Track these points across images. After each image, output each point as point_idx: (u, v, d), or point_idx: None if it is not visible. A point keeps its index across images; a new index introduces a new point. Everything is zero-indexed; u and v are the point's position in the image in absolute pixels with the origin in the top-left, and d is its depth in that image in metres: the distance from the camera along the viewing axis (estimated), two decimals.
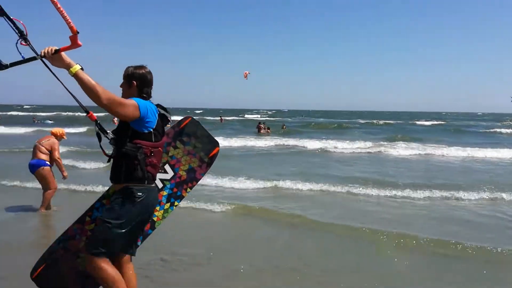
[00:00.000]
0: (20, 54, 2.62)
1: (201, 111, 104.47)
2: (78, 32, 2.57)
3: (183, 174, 3.50)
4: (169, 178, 3.46)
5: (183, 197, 3.49)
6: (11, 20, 2.57)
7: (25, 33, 2.61)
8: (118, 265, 2.93)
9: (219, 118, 45.31)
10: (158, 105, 3.05)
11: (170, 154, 3.49)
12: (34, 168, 6.55)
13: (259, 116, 70.65)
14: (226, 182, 9.29)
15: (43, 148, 6.61)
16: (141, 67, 3.01)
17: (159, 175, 3.31)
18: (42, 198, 6.66)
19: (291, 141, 20.80)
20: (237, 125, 40.38)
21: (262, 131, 28.89)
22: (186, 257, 4.79)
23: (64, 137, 6.97)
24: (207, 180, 9.08)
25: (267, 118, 58.44)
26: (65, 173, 6.77)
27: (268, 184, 9.17)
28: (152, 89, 3.06)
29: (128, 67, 3.01)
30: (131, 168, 2.82)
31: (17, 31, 2.60)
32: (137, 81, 2.96)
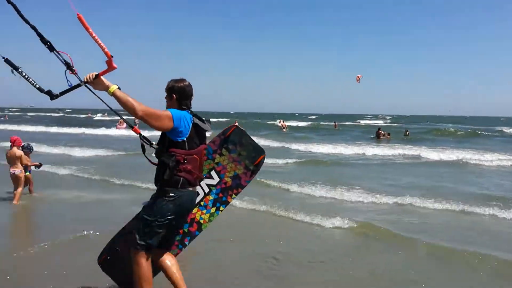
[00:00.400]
0: (68, 82, 2.96)
1: (316, 116, 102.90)
2: (112, 56, 2.85)
3: (229, 181, 3.67)
4: (215, 183, 3.66)
5: (228, 202, 3.68)
6: (59, 53, 2.96)
7: (71, 64, 2.97)
8: (160, 258, 3.28)
9: (334, 123, 43.94)
10: (194, 115, 3.23)
11: (216, 161, 3.68)
12: None
13: (377, 121, 66.74)
14: (339, 194, 8.43)
15: None
16: (181, 80, 3.26)
17: (206, 181, 3.61)
18: None
19: (416, 149, 18.69)
20: (354, 131, 38.43)
21: (381, 137, 27.09)
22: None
23: None
24: (319, 192, 8.35)
25: (387, 124, 55.01)
26: None
27: (390, 199, 8.00)
28: (193, 99, 3.30)
29: (169, 81, 3.26)
30: (165, 173, 3.09)
31: (64, 63, 2.96)
32: (176, 94, 3.21)
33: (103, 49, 2.84)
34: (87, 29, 2.79)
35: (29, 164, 7.48)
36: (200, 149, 3.28)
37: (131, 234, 3.24)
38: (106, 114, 61.84)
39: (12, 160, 7.16)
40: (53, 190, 8.39)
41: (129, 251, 3.16)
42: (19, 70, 3.00)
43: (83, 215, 6.62)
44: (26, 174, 7.38)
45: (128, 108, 2.90)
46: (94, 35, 2.81)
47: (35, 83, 3.03)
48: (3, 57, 3.01)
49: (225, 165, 3.69)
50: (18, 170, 7.09)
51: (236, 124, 4.21)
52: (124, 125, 28.68)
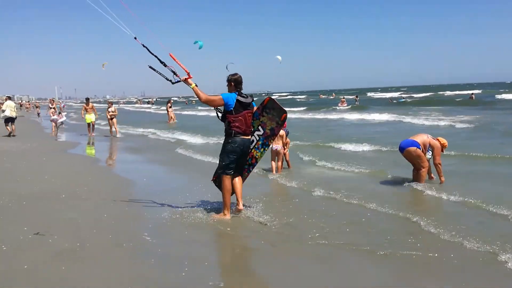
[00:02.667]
0: (174, 79, 5.55)
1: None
2: (189, 74, 5.48)
3: (268, 131, 5.85)
4: (261, 134, 5.88)
5: (269, 145, 5.98)
6: (169, 67, 5.54)
7: (176, 72, 5.51)
8: (233, 178, 5.64)
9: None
10: (239, 94, 5.49)
11: (261, 120, 5.85)
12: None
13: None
14: None
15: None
16: (235, 74, 5.62)
17: (256, 132, 5.85)
18: None
19: None
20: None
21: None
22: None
23: None
24: None
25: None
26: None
27: None
28: (241, 83, 5.59)
29: (228, 75, 5.64)
30: (225, 129, 5.56)
31: (172, 72, 5.53)
32: (233, 82, 5.58)
33: (186, 71, 5.46)
34: (176, 61, 5.45)
35: (287, 145, 9.13)
36: (244, 114, 5.48)
37: (218, 167, 5.73)
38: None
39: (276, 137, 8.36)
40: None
41: (220, 175, 5.63)
42: (151, 66, 5.61)
43: None
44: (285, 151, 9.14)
45: (199, 97, 5.48)
46: (180, 63, 5.45)
47: (165, 76, 5.59)
48: (149, 66, 5.60)
49: (266, 122, 5.83)
50: (279, 146, 8.67)
51: (269, 97, 5.98)
52: (345, 104, 38.07)
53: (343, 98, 43.54)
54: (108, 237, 4.84)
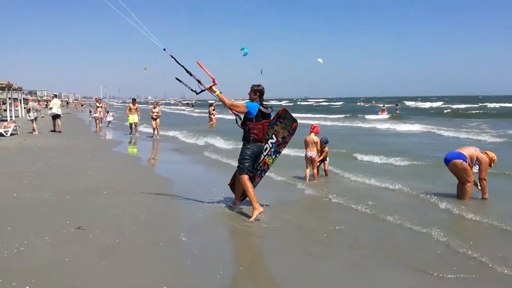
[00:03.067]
0: (199, 88, 5.97)
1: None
2: (214, 81, 5.79)
3: (280, 139, 6.34)
4: (274, 141, 6.35)
5: (280, 152, 6.41)
6: (194, 76, 5.93)
7: (200, 81, 5.92)
8: (250, 179, 5.97)
9: None
10: (261, 104, 5.84)
11: (275, 128, 6.33)
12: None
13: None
14: None
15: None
16: (258, 85, 5.94)
17: (270, 140, 6.31)
18: None
19: None
20: None
21: None
22: None
23: None
24: None
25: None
26: None
27: None
28: (264, 94, 5.94)
29: (252, 85, 5.94)
30: (244, 135, 5.91)
31: (197, 81, 5.92)
32: (258, 93, 5.88)
33: (211, 77, 5.78)
34: (203, 69, 5.79)
35: (323, 155, 8.94)
36: (263, 123, 5.84)
37: (238, 168, 6.05)
38: None
39: (309, 144, 8.62)
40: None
41: (238, 175, 6.00)
42: (179, 79, 6.07)
43: None
44: (324, 161, 9.05)
45: (224, 103, 5.85)
46: (207, 71, 5.80)
47: (190, 87, 6.04)
48: (176, 78, 6.08)
49: (279, 130, 6.34)
50: (313, 153, 8.57)
51: (283, 107, 6.59)
52: (386, 112, 38.24)
53: (384, 106, 42.76)
54: (147, 235, 4.92)
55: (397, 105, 44.27)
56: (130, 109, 19.14)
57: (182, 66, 5.96)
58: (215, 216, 5.92)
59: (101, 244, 4.50)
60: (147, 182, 8.24)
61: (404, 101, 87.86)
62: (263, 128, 5.86)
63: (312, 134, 8.67)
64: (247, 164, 5.88)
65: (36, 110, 19.28)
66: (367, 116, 36.76)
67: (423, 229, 5.28)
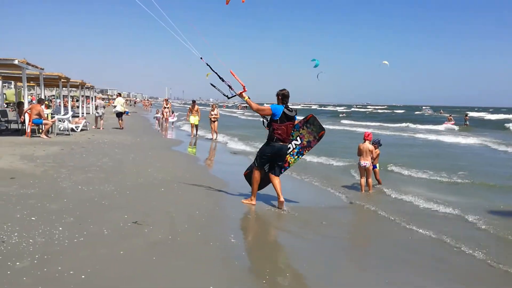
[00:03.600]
0: (231, 93, 6.61)
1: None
2: (244, 87, 6.43)
3: (305, 143, 6.92)
4: (298, 144, 6.95)
5: (303, 154, 7.04)
6: (225, 82, 6.58)
7: (232, 86, 6.53)
8: (269, 177, 6.71)
9: None
10: (286, 107, 6.42)
11: (300, 131, 6.92)
12: None
13: None
14: None
15: None
16: (283, 90, 6.56)
17: (294, 142, 6.92)
18: None
19: None
20: None
21: None
22: None
23: None
24: None
25: None
26: None
27: None
28: (288, 98, 6.55)
29: (278, 90, 6.57)
30: (269, 134, 6.50)
31: (228, 86, 6.55)
32: (281, 96, 6.53)
33: (242, 85, 6.49)
34: (235, 77, 6.44)
35: (375, 158, 8.72)
36: (287, 124, 6.43)
37: (254, 161, 6.83)
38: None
39: (363, 152, 8.42)
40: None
41: (253, 168, 6.84)
42: (215, 85, 6.72)
43: None
44: (374, 169, 8.78)
45: (251, 107, 6.59)
46: (238, 79, 6.46)
47: (222, 92, 6.70)
48: (211, 83, 6.66)
49: (304, 134, 6.94)
50: (368, 162, 8.33)
51: (312, 114, 7.16)
52: (453, 122, 37.18)
53: (450, 116, 40.49)
54: (198, 233, 5.01)
55: (466, 115, 41.20)
56: (190, 110, 19.62)
57: (216, 73, 6.63)
58: (265, 219, 5.93)
59: (154, 240, 4.65)
60: (202, 182, 8.41)
61: (473, 112, 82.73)
62: (287, 129, 6.47)
63: (367, 142, 8.43)
64: (263, 161, 6.61)
65: (103, 107, 20.75)
66: (431, 127, 35.16)
67: None
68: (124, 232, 4.86)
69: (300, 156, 6.97)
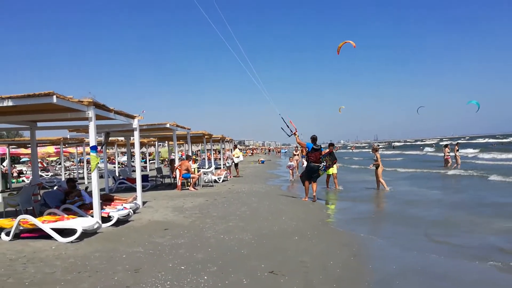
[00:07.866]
0: (289, 134, 13.39)
1: None
2: (296, 130, 13.13)
3: (327, 165, 13.10)
4: (324, 164, 12.89)
5: (327, 170, 13.46)
6: (287, 123, 13.38)
7: (290, 128, 13.22)
8: (311, 183, 13.05)
9: None
10: (314, 144, 12.84)
11: (325, 159, 12.91)
12: None
13: None
14: None
15: None
16: (313, 135, 13.06)
17: (322, 163, 12.81)
18: None
19: None
20: None
21: None
22: None
23: None
24: None
25: None
26: None
27: None
28: (316, 139, 13.02)
29: (311, 135, 13.19)
30: (306, 159, 13.37)
31: (288, 128, 13.31)
32: (311, 139, 13.08)
33: (294, 127, 13.12)
34: (292, 124, 13.15)
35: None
36: (315, 154, 12.67)
37: (302, 175, 13.59)
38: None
39: None
40: None
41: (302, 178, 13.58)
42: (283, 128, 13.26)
43: None
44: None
45: (297, 142, 13.48)
46: (293, 124, 13.19)
47: (286, 132, 13.25)
48: (281, 128, 13.47)
49: (327, 160, 12.92)
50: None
51: (331, 148, 13.47)
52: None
53: None
54: (332, 286, 4.93)
55: None
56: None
57: (285, 121, 13.09)
58: (408, 269, 5.49)
59: None
60: (335, 231, 8.29)
61: None
62: (316, 156, 12.61)
63: None
64: (306, 175, 12.88)
65: (231, 159, 23.87)
66: None
67: None
68: (261, 282, 5.05)
69: (326, 171, 13.21)
